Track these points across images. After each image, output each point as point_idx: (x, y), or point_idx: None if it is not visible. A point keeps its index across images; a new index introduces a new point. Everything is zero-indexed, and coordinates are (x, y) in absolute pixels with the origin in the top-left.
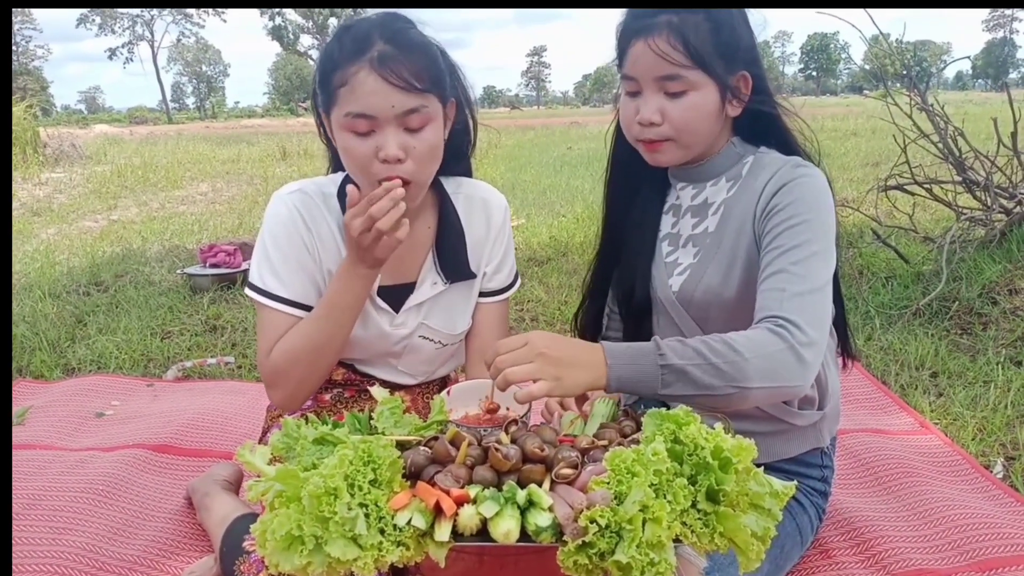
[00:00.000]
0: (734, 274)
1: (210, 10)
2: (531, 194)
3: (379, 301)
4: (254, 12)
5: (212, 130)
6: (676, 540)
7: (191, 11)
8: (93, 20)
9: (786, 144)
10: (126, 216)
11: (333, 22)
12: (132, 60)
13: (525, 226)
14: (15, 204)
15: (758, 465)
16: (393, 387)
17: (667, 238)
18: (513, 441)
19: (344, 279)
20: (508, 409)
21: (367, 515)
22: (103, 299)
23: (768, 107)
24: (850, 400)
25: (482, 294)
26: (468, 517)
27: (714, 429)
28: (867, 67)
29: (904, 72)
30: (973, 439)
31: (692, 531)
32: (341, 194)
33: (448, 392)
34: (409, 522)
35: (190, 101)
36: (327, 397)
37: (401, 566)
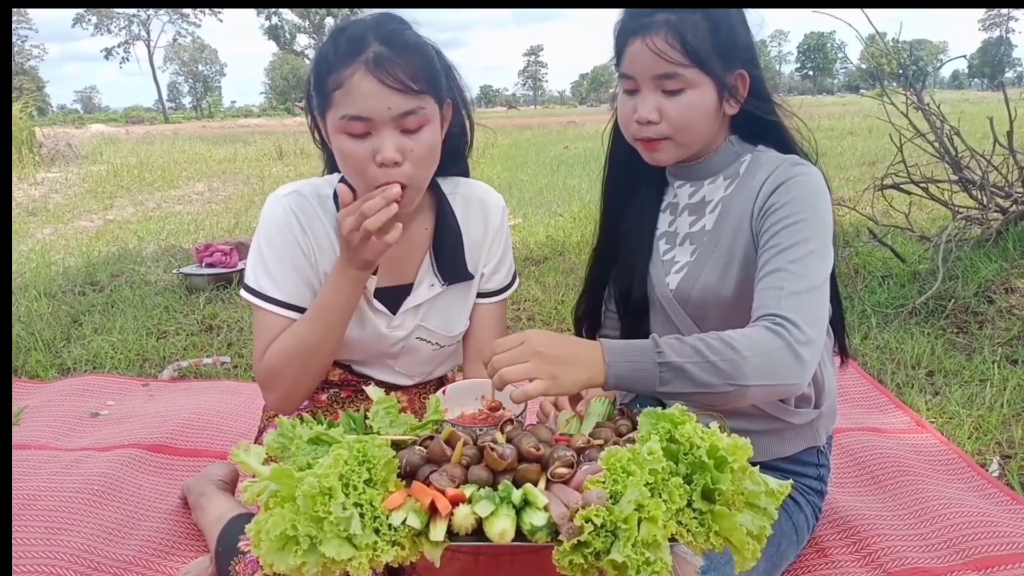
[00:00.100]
0: (731, 272)
1: (206, 10)
2: (528, 193)
3: (376, 303)
4: (250, 12)
5: (208, 130)
6: (672, 539)
7: (187, 11)
8: (89, 20)
9: (783, 142)
10: (122, 216)
11: (330, 21)
12: (128, 60)
13: (522, 225)
14: None
15: (754, 464)
16: (390, 387)
17: (664, 236)
18: (509, 440)
19: (335, 281)
20: (504, 408)
21: (362, 515)
22: (99, 299)
23: (765, 108)
24: (846, 399)
25: (480, 294)
26: (463, 517)
27: (710, 428)
28: (863, 66)
29: (900, 71)
30: (969, 438)
31: (688, 530)
32: (337, 195)
33: (444, 392)
34: (404, 522)
35: (186, 101)
36: (323, 397)
37: (396, 566)
